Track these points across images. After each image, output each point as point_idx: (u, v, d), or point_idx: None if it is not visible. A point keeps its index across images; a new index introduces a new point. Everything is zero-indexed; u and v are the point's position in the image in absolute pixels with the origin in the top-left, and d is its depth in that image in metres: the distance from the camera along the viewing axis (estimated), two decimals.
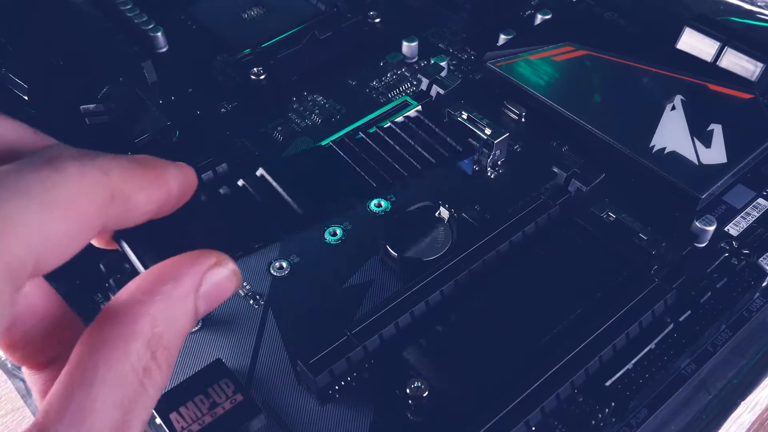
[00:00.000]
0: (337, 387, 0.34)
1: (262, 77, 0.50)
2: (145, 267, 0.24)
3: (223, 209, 0.30)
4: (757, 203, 0.42)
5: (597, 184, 0.41)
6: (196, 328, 0.37)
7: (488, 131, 0.44)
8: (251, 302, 0.38)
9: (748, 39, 0.47)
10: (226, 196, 0.33)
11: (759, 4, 0.48)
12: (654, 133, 0.44)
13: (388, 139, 0.42)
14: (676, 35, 0.49)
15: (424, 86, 0.48)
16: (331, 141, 0.42)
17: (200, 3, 0.58)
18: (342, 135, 0.43)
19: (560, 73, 0.48)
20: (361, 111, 0.46)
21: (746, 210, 0.42)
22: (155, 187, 0.21)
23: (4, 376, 0.38)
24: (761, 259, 0.39)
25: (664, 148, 0.43)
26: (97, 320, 0.20)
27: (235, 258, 0.22)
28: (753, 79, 0.46)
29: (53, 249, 0.18)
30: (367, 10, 0.54)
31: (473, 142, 0.44)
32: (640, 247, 0.38)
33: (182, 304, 0.20)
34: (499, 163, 0.45)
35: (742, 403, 0.36)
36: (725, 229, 0.41)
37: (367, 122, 0.45)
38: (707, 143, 0.43)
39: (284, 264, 0.40)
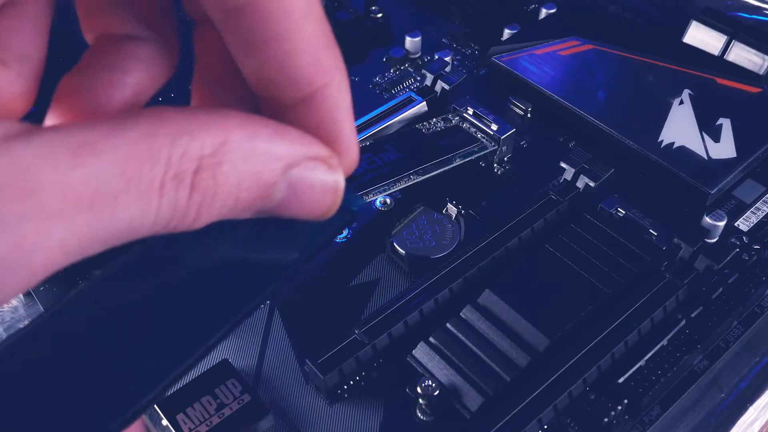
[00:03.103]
0: (345, 386, 0.33)
1: None
2: None
3: None
4: (767, 198, 0.42)
5: (606, 180, 0.40)
6: None
7: (494, 127, 0.43)
8: None
9: (756, 32, 0.47)
10: None
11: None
12: (662, 127, 0.43)
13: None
14: (683, 29, 0.48)
15: (428, 82, 0.47)
16: None
17: None
18: None
19: (566, 68, 0.48)
20: (364, 107, 0.46)
21: (756, 205, 0.42)
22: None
23: None
24: None
25: (673, 143, 0.42)
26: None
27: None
28: (761, 72, 0.46)
29: None
30: (369, 5, 0.54)
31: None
32: (651, 243, 0.37)
33: (270, 152, 0.16)
34: (505, 159, 0.45)
35: (751, 407, 0.35)
36: (735, 224, 0.41)
37: (371, 118, 0.44)
38: (716, 138, 0.42)
39: None
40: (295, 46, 0.16)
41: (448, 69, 0.48)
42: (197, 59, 0.20)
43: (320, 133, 0.18)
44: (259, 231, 0.18)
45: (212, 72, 0.20)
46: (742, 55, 0.46)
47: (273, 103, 0.18)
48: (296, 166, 0.17)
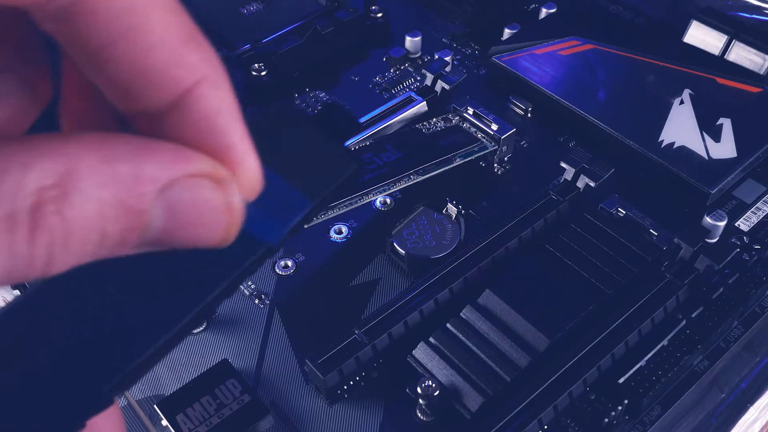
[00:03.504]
0: (345, 387, 0.33)
1: (263, 73, 0.49)
2: None
3: None
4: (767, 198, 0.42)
5: (606, 180, 0.40)
6: (201, 328, 0.36)
7: (494, 127, 0.43)
8: (256, 302, 0.38)
9: (756, 32, 0.47)
10: None
11: None
12: (663, 127, 0.43)
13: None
14: (683, 29, 0.48)
15: (428, 82, 0.47)
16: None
17: None
18: None
19: (566, 68, 0.48)
20: (364, 107, 0.46)
21: (757, 205, 0.42)
22: None
23: None
24: None
25: (674, 143, 0.42)
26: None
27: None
28: (761, 72, 0.46)
29: None
30: (369, 5, 0.54)
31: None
32: (651, 243, 0.37)
33: (135, 174, 0.14)
34: (505, 159, 0.45)
35: (752, 407, 0.35)
36: (736, 224, 0.41)
37: (371, 118, 0.44)
38: (717, 137, 0.42)
39: (289, 263, 0.39)
40: (144, 44, 0.14)
41: (448, 69, 0.48)
42: (62, 82, 0.18)
43: (203, 144, 0.15)
44: (161, 265, 0.16)
45: (75, 93, 0.17)
46: (742, 54, 0.46)
47: (144, 116, 0.15)
48: (173, 187, 0.14)
